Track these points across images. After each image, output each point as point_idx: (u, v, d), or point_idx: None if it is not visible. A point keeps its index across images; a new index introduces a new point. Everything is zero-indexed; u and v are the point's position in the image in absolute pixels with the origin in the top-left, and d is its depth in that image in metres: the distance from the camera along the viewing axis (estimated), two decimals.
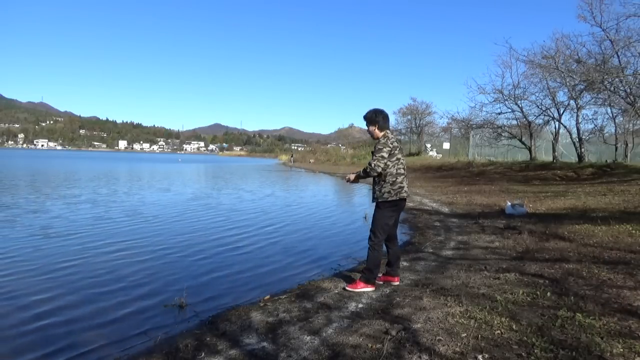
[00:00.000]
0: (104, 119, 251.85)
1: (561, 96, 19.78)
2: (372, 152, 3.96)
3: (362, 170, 4.03)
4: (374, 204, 4.09)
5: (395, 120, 43.00)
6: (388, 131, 4.03)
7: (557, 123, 20.46)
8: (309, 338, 2.97)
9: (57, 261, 5.24)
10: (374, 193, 4.07)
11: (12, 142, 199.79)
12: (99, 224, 7.83)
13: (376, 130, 4.03)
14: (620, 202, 8.93)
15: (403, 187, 3.98)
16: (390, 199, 3.92)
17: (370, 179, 4.05)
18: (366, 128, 4.14)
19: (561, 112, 19.94)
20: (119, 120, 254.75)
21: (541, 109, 20.85)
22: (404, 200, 4.02)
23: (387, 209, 3.97)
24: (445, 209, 10.11)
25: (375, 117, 4.03)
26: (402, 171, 3.99)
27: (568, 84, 17.55)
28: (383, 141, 3.94)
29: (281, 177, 26.82)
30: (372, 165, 3.87)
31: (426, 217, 8.90)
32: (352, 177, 4.26)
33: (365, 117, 4.10)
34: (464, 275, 4.37)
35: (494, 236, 6.54)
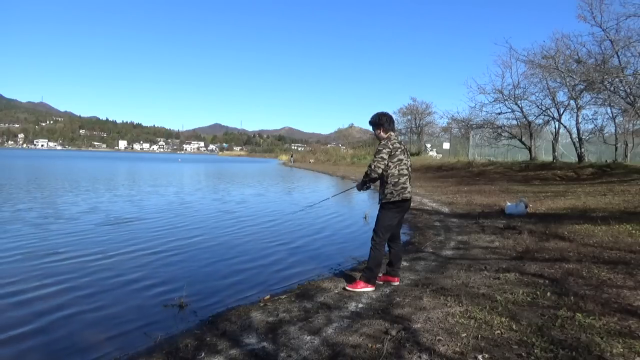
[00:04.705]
0: (104, 119, 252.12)
1: (561, 96, 19.82)
2: (374, 154, 3.99)
3: (364, 174, 4.05)
4: (379, 204, 4.10)
5: (395, 120, 42.84)
6: (392, 133, 4.06)
7: (557, 123, 20.49)
8: (309, 338, 2.97)
9: (57, 261, 5.25)
10: (379, 194, 4.09)
11: (12, 142, 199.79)
12: (100, 224, 7.83)
13: (381, 132, 4.09)
14: (620, 202, 8.93)
15: (406, 187, 3.99)
16: (393, 199, 3.93)
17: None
18: (372, 132, 4.22)
19: (561, 112, 19.96)
20: (119, 120, 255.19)
21: (541, 109, 20.88)
22: (407, 200, 4.03)
23: (391, 210, 3.98)
24: (445, 209, 10.11)
25: (379, 120, 4.09)
26: (404, 172, 4.00)
27: (568, 84, 17.55)
28: (384, 142, 3.97)
29: (281, 177, 26.83)
30: (372, 167, 3.90)
31: (426, 217, 8.90)
32: (359, 186, 4.25)
33: (371, 122, 4.18)
34: (464, 275, 4.37)
35: (494, 236, 6.54)
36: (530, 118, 21.39)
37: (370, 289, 3.99)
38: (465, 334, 2.87)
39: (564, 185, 13.84)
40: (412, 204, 4.64)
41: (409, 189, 4.02)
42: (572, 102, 18.85)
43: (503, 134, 23.32)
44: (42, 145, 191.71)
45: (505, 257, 5.14)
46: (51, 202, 10.69)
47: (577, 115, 18.56)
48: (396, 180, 3.94)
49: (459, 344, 2.72)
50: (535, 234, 6.37)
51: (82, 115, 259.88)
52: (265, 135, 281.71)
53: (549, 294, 3.66)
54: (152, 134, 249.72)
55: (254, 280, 4.68)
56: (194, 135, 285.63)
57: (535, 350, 2.59)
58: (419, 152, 38.80)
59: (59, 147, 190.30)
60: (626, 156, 18.59)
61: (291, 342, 2.90)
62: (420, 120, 42.91)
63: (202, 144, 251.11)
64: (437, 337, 2.84)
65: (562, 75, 17.05)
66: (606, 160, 17.95)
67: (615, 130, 18.81)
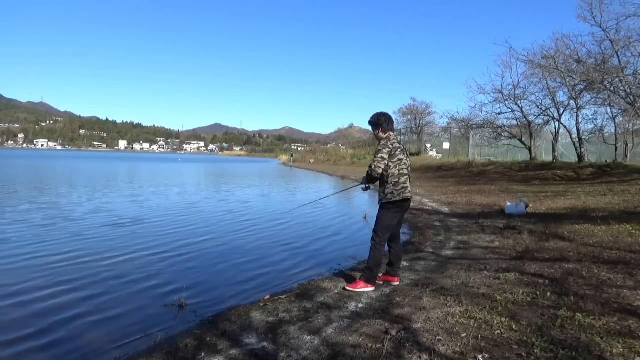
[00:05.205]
0: (104, 119, 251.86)
1: (561, 96, 19.83)
2: (374, 154, 3.99)
3: (366, 174, 4.06)
4: (379, 204, 4.10)
5: (395, 120, 42.89)
6: (391, 133, 4.07)
7: (557, 123, 20.49)
8: (309, 338, 2.97)
9: (57, 262, 5.25)
10: (379, 194, 4.09)
11: (12, 142, 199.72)
12: (105, 225, 7.83)
13: (380, 132, 4.09)
14: (620, 202, 8.93)
15: (406, 187, 3.99)
16: (393, 199, 3.94)
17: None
18: (372, 132, 4.23)
19: (561, 112, 19.96)
20: (119, 120, 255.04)
21: (541, 109, 20.88)
22: (408, 200, 4.03)
23: (391, 210, 3.99)
24: (445, 209, 10.11)
25: (378, 120, 4.10)
26: (405, 172, 4.00)
27: (568, 84, 17.55)
28: (384, 142, 3.98)
29: (282, 178, 26.84)
30: (373, 167, 3.91)
31: (426, 217, 8.90)
32: (364, 186, 4.26)
33: (370, 122, 4.19)
34: (464, 275, 4.37)
35: (494, 236, 6.54)
36: (530, 118, 21.41)
37: (370, 289, 3.99)
38: (465, 334, 2.87)
39: (564, 185, 13.84)
40: (412, 204, 4.65)
41: (409, 189, 4.03)
42: (572, 102, 18.87)
43: (503, 134, 23.32)
44: (42, 145, 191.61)
45: (505, 257, 5.14)
46: (55, 202, 10.70)
47: (577, 115, 18.57)
48: (396, 180, 3.94)
49: (459, 344, 2.72)
50: (535, 234, 6.38)
51: (82, 115, 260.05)
52: (265, 135, 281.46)
53: (549, 294, 3.66)
54: (152, 134, 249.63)
55: (254, 280, 4.68)
56: (194, 135, 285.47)
57: (535, 350, 2.59)
58: (419, 152, 38.81)
59: (59, 147, 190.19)
60: (626, 156, 18.59)
61: (291, 342, 2.90)
62: (420, 120, 42.94)
63: (202, 144, 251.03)
64: (437, 337, 2.84)
65: (562, 75, 17.05)
66: (606, 160, 17.95)
67: (615, 130, 18.82)
